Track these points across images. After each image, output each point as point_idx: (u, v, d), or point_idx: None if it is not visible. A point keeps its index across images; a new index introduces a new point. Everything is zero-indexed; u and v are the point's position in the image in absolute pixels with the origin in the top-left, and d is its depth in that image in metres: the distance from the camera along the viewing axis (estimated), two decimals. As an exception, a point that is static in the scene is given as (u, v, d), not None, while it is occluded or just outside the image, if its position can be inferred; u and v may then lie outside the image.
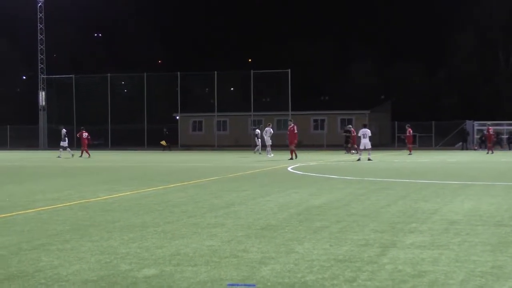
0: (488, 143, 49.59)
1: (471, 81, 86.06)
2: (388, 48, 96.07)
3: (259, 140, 48.31)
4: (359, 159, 35.36)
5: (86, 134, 44.49)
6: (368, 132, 36.19)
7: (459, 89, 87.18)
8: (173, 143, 64.17)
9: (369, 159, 34.99)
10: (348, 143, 50.63)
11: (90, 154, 43.85)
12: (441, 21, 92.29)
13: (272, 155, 42.12)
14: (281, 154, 43.10)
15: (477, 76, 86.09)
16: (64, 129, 45.22)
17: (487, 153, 46.74)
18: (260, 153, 43.71)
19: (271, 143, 43.31)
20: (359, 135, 37.08)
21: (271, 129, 44.32)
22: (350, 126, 53.13)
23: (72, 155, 43.70)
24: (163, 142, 61.57)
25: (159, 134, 64.93)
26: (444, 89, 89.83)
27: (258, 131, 50.06)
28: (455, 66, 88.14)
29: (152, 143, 67.24)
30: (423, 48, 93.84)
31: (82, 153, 44.09)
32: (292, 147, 37.23)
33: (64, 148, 44.00)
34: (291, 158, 36.23)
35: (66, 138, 44.45)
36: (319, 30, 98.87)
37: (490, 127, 51.21)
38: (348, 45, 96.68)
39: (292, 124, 38.38)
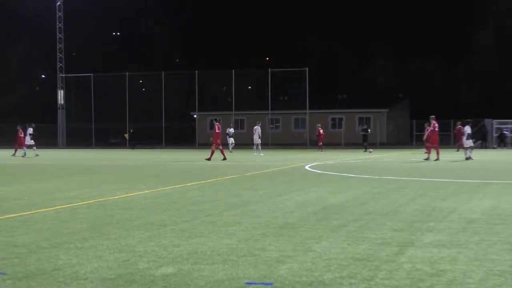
0: None
1: (491, 79, 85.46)
2: (406, 46, 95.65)
3: (232, 138, 50.23)
4: (469, 158, 33.92)
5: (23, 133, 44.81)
6: (466, 129, 35.49)
7: (478, 87, 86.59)
8: (138, 143, 66.45)
9: (467, 158, 33.99)
10: (366, 142, 50.83)
11: (24, 153, 43.97)
12: (460, 18, 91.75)
13: (261, 154, 42.59)
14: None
15: (496, 73, 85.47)
16: (30, 128, 43.75)
17: None
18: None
19: (260, 142, 44.00)
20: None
21: (260, 128, 45.18)
22: (366, 125, 54.89)
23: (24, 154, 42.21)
24: (127, 135, 65.84)
25: (177, 133, 65.47)
26: (463, 87, 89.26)
27: (231, 130, 51.65)
28: (474, 63, 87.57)
29: (170, 142, 67.50)
30: (442, 45, 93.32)
31: (16, 151, 43.86)
32: (220, 147, 35.11)
33: (30, 146, 42.85)
34: (224, 159, 34.57)
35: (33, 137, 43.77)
36: (337, 28, 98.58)
37: None
38: (366, 43, 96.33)
39: (217, 124, 35.87)
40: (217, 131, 35.33)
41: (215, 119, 36.85)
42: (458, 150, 48.62)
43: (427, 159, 33.43)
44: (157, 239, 9.28)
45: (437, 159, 33.10)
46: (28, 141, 43.03)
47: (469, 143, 35.11)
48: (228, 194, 15.79)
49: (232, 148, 50.26)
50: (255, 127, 45.98)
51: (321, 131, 53.44)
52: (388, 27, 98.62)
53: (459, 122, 51.74)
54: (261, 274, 7.06)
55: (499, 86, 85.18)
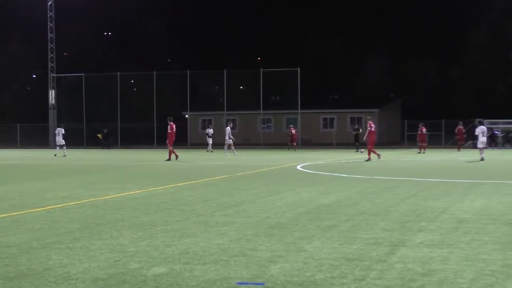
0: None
1: (484, 79, 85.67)
2: (399, 46, 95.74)
3: (211, 139, 51.13)
4: (482, 159, 32.46)
5: None
6: (485, 129, 34.92)
7: (470, 87, 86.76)
8: (112, 143, 67.25)
9: (481, 159, 32.55)
10: (358, 141, 50.96)
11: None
12: (454, 18, 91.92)
13: (229, 154, 42.61)
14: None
15: (488, 74, 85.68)
16: (62, 129, 44.52)
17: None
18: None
19: (231, 142, 44.42)
20: (476, 133, 35.38)
21: (230, 128, 45.84)
22: (357, 125, 56.17)
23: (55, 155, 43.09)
24: (100, 135, 66.69)
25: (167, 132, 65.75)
26: (455, 87, 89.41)
27: (209, 130, 52.26)
28: (466, 63, 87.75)
29: (162, 142, 67.38)
30: (435, 45, 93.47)
31: None
32: (170, 147, 35.03)
33: (61, 147, 43.57)
34: (169, 159, 34.67)
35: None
36: (330, 29, 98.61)
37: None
38: (358, 43, 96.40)
39: (170, 123, 35.44)
40: (169, 131, 35.24)
41: (169, 119, 36.36)
42: (459, 151, 48.58)
43: (368, 160, 32.90)
44: (149, 239, 9.26)
45: (368, 159, 32.91)
46: (60, 141, 43.66)
47: (482, 143, 34.30)
48: (220, 194, 15.78)
49: (209, 149, 50.41)
50: (226, 128, 46.34)
51: (293, 131, 56.16)
52: (380, 27, 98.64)
53: (460, 123, 52.13)
54: (253, 274, 7.06)
55: (491, 86, 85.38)
